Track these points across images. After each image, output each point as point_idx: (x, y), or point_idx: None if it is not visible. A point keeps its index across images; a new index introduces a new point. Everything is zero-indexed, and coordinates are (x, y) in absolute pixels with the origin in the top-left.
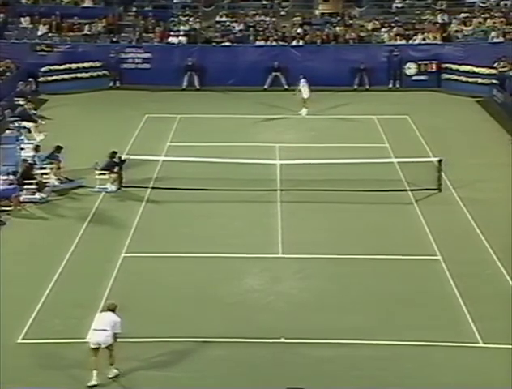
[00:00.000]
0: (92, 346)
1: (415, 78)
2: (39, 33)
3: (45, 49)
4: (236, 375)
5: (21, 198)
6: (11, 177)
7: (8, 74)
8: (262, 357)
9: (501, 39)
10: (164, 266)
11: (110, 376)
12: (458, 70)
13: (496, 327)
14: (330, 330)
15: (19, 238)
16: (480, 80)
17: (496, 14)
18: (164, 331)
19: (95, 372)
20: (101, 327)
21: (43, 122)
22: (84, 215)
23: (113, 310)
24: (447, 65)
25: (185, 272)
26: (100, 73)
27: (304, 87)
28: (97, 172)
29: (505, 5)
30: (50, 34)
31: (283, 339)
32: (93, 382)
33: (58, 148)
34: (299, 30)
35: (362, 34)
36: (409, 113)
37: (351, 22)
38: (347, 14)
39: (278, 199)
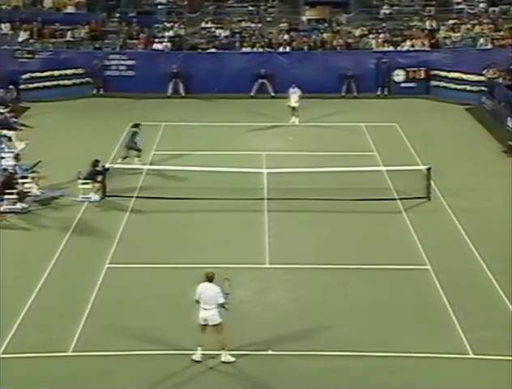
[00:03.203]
0: (201, 322)
1: (403, 85)
2: (20, 39)
3: (26, 55)
4: (223, 388)
5: (1, 209)
6: None
7: None
8: (248, 370)
9: (489, 46)
10: (150, 276)
11: (223, 360)
12: (446, 77)
13: (486, 337)
14: (318, 341)
15: (0, 249)
16: (468, 87)
17: (484, 21)
18: (149, 344)
19: (200, 348)
20: (207, 306)
21: (22, 128)
22: (67, 226)
23: (210, 280)
24: (436, 72)
25: (171, 283)
26: (82, 80)
27: (293, 95)
28: (80, 181)
29: (494, 11)
30: (31, 40)
31: (270, 352)
32: (196, 358)
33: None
34: (286, 36)
35: (350, 40)
36: (398, 120)
37: (338, 28)
38: (334, 20)
39: (265, 208)
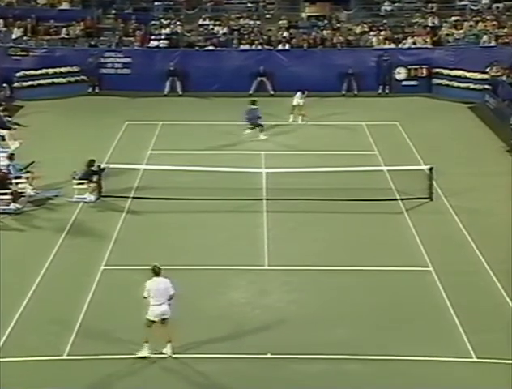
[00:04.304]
0: (154, 319)
1: (405, 83)
2: (13, 37)
3: (20, 53)
4: None
5: None
6: None
7: None
8: (247, 374)
9: (493, 43)
10: (146, 279)
11: (169, 354)
12: (449, 75)
13: (490, 340)
14: (318, 344)
15: None
16: (471, 85)
17: (487, 18)
18: (146, 347)
19: (146, 344)
20: (160, 301)
21: (16, 127)
22: (62, 227)
23: (158, 274)
24: (438, 69)
25: None
26: (78, 78)
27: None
28: (75, 181)
29: (497, 8)
30: (25, 37)
31: (269, 355)
32: (143, 354)
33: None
34: (285, 34)
35: (350, 38)
36: (399, 119)
37: (338, 25)
38: (334, 17)
39: (264, 209)
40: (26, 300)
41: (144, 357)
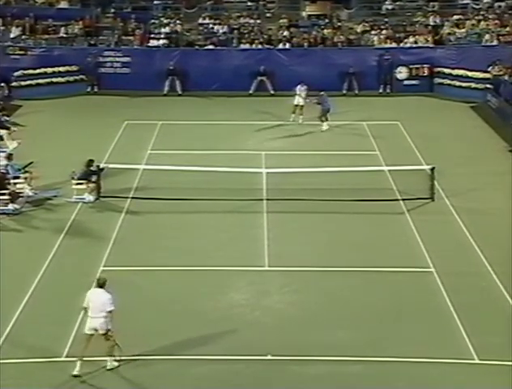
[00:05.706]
0: (87, 332)
1: (406, 82)
2: (12, 35)
3: (19, 52)
4: None
5: None
6: None
7: None
8: (247, 375)
9: (495, 42)
10: (145, 280)
11: (108, 368)
12: (451, 75)
13: (492, 342)
14: (318, 346)
15: None
16: (473, 85)
17: (490, 17)
18: (144, 349)
19: (79, 362)
20: (95, 315)
21: (15, 129)
22: (60, 227)
23: (102, 286)
24: (440, 69)
25: (167, 286)
26: (76, 77)
27: (300, 94)
28: (74, 181)
29: (499, 6)
30: (24, 36)
31: (269, 356)
32: (75, 372)
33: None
34: (285, 33)
35: (351, 37)
36: (400, 119)
37: (339, 24)
38: (335, 16)
39: (264, 209)
40: (24, 301)
41: (77, 376)
